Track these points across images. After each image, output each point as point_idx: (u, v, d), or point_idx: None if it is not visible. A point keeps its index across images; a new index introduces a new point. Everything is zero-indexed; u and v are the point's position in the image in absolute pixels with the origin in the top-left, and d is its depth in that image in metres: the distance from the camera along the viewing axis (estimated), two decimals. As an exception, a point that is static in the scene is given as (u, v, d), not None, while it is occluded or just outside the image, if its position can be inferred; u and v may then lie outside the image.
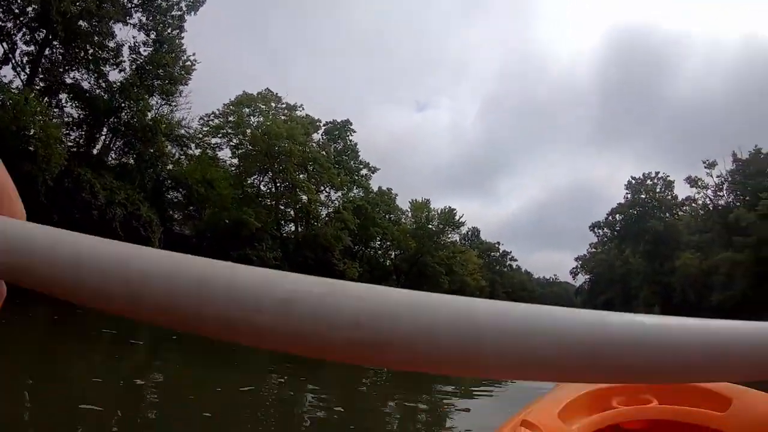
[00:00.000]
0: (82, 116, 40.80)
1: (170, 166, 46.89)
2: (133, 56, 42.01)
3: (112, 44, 40.73)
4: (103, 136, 42.88)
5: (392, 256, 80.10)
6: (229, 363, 9.51)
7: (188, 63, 44.86)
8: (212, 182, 45.71)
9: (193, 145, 50.63)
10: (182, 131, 47.26)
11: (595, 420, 1.88)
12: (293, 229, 61.61)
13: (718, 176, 74.53)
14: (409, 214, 79.83)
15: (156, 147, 40.93)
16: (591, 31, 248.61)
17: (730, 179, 73.34)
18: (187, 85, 45.11)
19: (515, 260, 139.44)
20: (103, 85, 41.00)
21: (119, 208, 35.15)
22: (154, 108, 44.15)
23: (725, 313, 59.15)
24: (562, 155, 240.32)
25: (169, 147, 46.52)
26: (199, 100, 55.44)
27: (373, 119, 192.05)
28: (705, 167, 75.17)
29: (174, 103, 45.76)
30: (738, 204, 69.26)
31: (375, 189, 71.19)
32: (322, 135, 66.76)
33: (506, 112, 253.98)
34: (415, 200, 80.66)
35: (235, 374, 8.74)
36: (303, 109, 58.94)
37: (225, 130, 54.29)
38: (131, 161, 42.97)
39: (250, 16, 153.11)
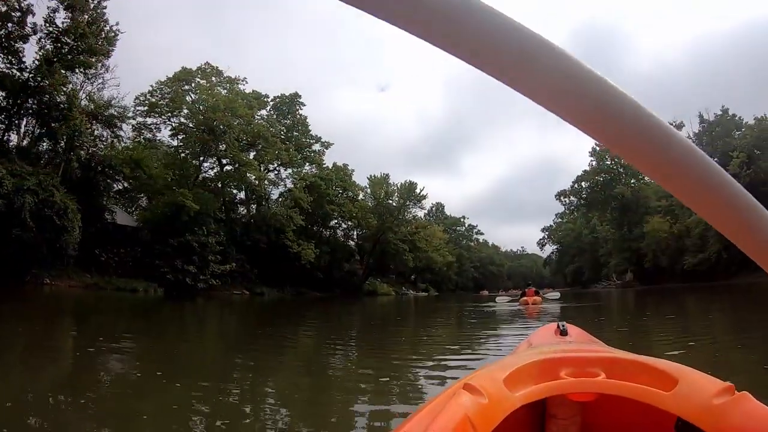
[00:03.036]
0: (-2, 101, 37.05)
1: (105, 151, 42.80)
2: (50, 28, 37.62)
3: (22, 17, 36.58)
4: (25, 120, 39.27)
5: (354, 236, 77.13)
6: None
7: (111, 34, 40.62)
8: (139, 162, 41.53)
9: (129, 128, 46.78)
10: (112, 111, 43.05)
11: (541, 389, 1.82)
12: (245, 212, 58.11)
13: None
14: (368, 191, 76.45)
15: (74, 126, 36.42)
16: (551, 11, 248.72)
17: (696, 141, 71.54)
18: (109, 57, 40.90)
19: (482, 234, 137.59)
20: (15, 63, 36.86)
21: (29, 195, 31.02)
22: (78, 85, 40.30)
23: (699, 276, 57.46)
24: (524, 129, 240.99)
25: (99, 129, 42.54)
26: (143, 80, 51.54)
27: (333, 100, 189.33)
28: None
29: (99, 81, 41.91)
30: (707, 165, 67.36)
31: (330, 166, 67.38)
32: (270, 111, 62.84)
33: (467, 90, 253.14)
34: (374, 176, 77.39)
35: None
36: (246, 82, 54.65)
37: (160, 109, 49.62)
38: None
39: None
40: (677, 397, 1.60)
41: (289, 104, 64.59)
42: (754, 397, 1.42)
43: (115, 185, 43.67)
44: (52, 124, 36.95)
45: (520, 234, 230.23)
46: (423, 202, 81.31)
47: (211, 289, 42.76)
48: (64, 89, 37.19)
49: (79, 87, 40.52)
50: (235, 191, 56.77)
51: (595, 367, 1.86)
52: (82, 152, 40.28)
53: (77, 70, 39.51)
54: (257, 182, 54.50)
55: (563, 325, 2.70)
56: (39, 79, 36.61)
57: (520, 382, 1.80)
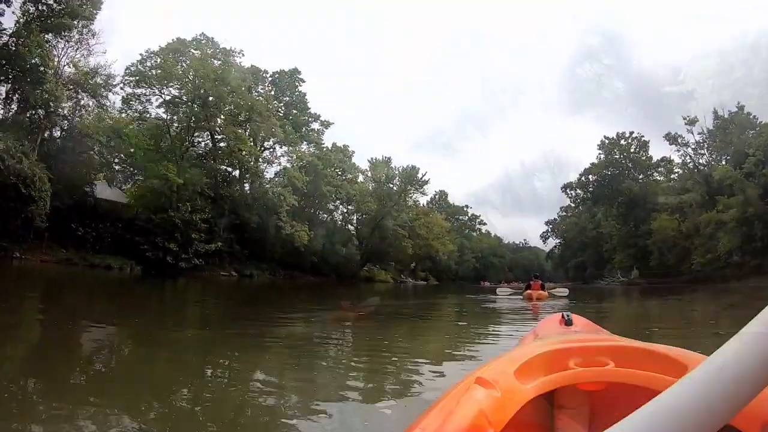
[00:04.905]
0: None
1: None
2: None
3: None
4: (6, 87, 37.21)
5: (354, 221, 75.15)
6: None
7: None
8: (119, 132, 39.48)
9: (119, 99, 44.80)
10: (98, 79, 40.91)
11: (551, 379, 1.85)
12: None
13: (699, 133, 70.17)
14: (369, 174, 74.41)
15: (48, 90, 34.20)
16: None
17: (709, 138, 69.21)
18: (92, 21, 38.72)
19: (484, 224, 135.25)
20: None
21: (-7, 161, 29.02)
22: (60, 51, 38.34)
23: (707, 276, 55.18)
24: (532, 120, 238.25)
25: (85, 98, 40.62)
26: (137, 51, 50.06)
27: (338, 82, 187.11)
28: (685, 123, 70.65)
29: (84, 48, 39.85)
30: (721, 163, 65.04)
31: (329, 146, 65.18)
32: (268, 87, 60.71)
33: (475, 79, 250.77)
34: (375, 158, 75.23)
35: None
36: (243, 55, 52.32)
37: (149, 79, 46.80)
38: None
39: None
40: None
41: (289, 80, 62.25)
42: None
43: (97, 156, 41.38)
44: (26, 89, 34.82)
45: (524, 226, 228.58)
46: (425, 187, 78.99)
47: (195, 269, 40.61)
48: (39, 51, 34.90)
49: (61, 53, 38.67)
50: (229, 168, 54.46)
51: (603, 356, 1.86)
52: (65, 121, 38.56)
53: (59, 35, 37.52)
54: (251, 159, 52.21)
55: (568, 315, 2.59)
56: (20, 43, 34.65)
57: (531, 374, 1.80)
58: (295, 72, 62.41)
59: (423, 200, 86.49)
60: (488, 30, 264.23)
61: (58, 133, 39.33)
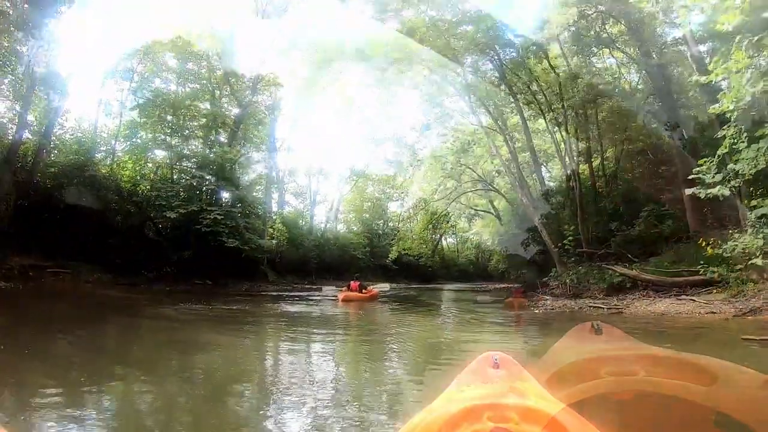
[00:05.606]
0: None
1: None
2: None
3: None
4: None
5: (336, 228, 75.12)
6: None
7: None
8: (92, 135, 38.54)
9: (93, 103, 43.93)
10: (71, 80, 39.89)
11: (582, 388, 1.85)
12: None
13: (680, 139, 70.42)
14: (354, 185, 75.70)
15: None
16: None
17: (689, 143, 69.42)
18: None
19: (468, 230, 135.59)
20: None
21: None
22: (32, 49, 36.93)
23: (695, 283, 55.11)
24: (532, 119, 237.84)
25: (57, 100, 39.41)
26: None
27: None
28: (665, 129, 70.82)
29: (57, 45, 38.47)
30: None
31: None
32: (247, 92, 59.67)
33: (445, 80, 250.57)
34: (353, 167, 75.18)
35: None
36: (219, 58, 51.38)
37: (115, 79, 45.94)
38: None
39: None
40: (718, 391, 1.60)
41: (268, 84, 61.08)
42: None
43: (70, 160, 39.91)
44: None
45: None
46: (404, 195, 79.18)
47: (166, 276, 39.16)
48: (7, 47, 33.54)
49: (31, 51, 37.25)
50: (208, 176, 52.82)
51: (633, 365, 1.90)
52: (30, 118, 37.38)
53: (29, 33, 36.11)
54: (227, 166, 50.74)
55: (598, 324, 2.61)
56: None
57: (562, 383, 1.84)
58: (273, 77, 61.20)
59: (404, 206, 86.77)
60: (489, 29, 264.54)
61: (29, 135, 37.97)
